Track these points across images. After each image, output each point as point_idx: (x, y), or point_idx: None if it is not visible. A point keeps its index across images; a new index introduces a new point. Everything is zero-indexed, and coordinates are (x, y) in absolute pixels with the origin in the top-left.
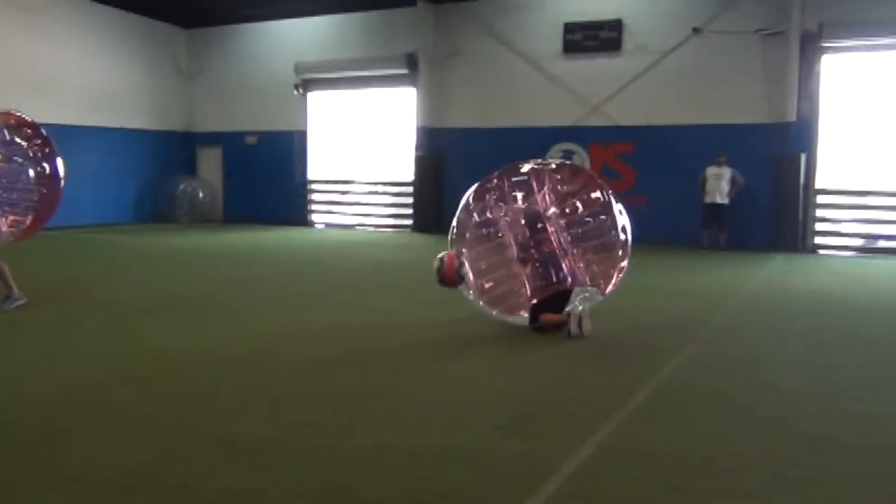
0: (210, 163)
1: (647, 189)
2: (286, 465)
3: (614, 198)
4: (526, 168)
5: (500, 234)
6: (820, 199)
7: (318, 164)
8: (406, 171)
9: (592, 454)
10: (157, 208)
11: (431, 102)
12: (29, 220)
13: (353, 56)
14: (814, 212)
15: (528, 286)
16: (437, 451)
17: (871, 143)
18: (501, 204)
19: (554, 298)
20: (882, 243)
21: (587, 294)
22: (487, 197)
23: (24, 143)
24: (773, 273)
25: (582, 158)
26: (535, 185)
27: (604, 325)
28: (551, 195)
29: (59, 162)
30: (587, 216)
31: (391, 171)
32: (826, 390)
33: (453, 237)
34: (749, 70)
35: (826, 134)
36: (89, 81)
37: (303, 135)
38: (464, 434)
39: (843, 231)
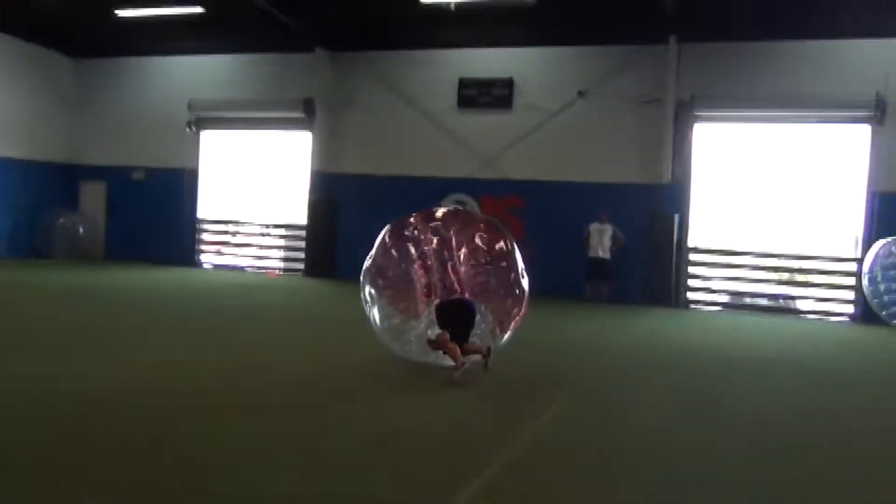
0: (93, 197)
1: (534, 242)
2: None
3: (517, 248)
4: (440, 213)
5: (410, 273)
6: (692, 256)
7: (210, 204)
8: (299, 214)
9: (472, 500)
10: (32, 242)
11: (327, 147)
12: None
13: (249, 97)
14: (686, 268)
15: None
16: (320, 496)
17: (738, 205)
18: (419, 244)
19: (457, 320)
20: (748, 300)
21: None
22: (407, 235)
23: None
24: (650, 325)
25: (473, 209)
26: (451, 227)
27: (488, 372)
28: (462, 237)
29: None
30: (490, 262)
31: (284, 214)
32: (690, 432)
33: (367, 273)
34: (629, 133)
35: (698, 195)
36: None
37: (194, 173)
38: (347, 479)
39: (713, 287)
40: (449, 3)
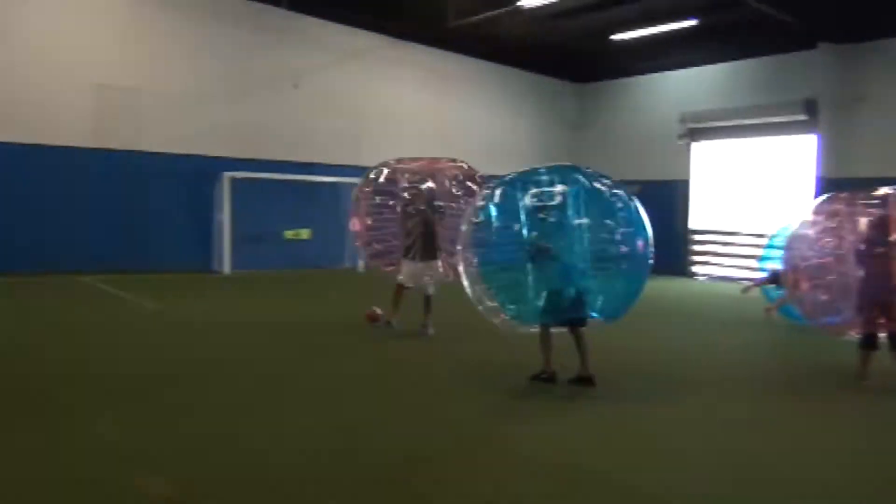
0: None
1: None
2: None
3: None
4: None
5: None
6: None
7: (700, 214)
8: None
9: None
10: None
11: (835, 151)
12: None
13: (743, 104)
14: None
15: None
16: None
17: None
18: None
19: None
20: None
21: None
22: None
23: None
24: None
25: None
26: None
27: None
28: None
29: None
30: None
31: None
32: None
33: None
34: None
35: None
36: (490, 134)
37: (686, 184)
38: None
39: None
40: None
